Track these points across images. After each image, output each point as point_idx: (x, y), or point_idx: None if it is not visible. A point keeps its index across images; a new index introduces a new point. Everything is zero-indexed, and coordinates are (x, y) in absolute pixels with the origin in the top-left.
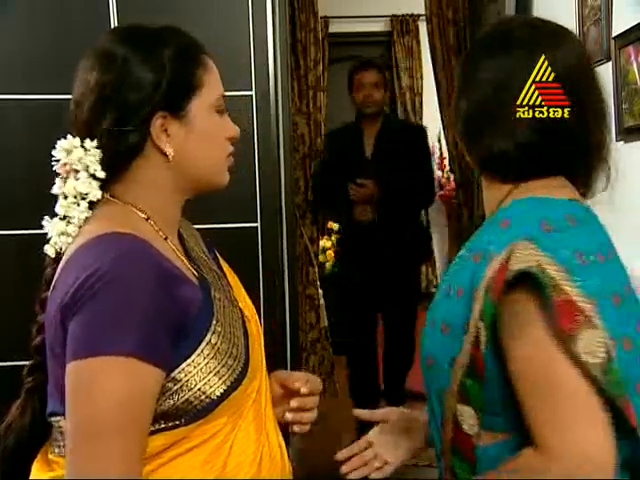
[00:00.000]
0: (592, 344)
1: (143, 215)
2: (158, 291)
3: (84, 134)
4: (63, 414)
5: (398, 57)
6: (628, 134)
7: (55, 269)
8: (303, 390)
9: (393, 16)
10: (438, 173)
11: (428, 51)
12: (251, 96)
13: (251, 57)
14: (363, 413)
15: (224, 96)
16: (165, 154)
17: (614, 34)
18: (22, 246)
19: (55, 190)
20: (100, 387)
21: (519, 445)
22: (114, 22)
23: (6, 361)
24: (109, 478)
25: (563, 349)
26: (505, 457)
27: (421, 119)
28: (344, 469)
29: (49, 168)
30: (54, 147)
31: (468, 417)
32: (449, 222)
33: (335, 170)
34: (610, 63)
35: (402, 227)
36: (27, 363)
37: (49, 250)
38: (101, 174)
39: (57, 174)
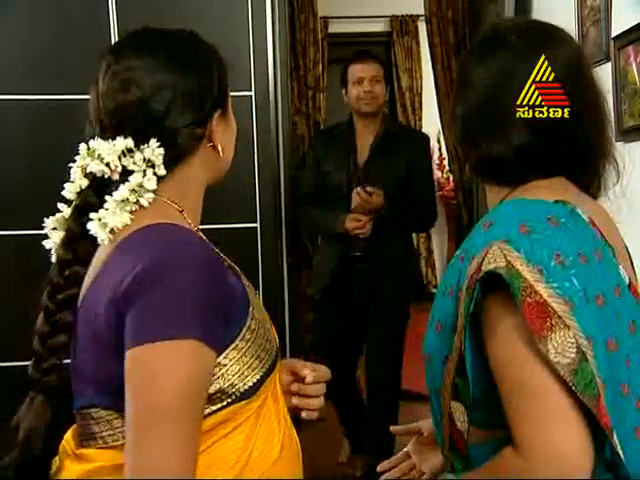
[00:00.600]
0: (563, 344)
1: (178, 208)
2: (212, 277)
3: (143, 133)
4: (104, 405)
5: (398, 57)
6: (628, 134)
7: (82, 267)
8: (308, 379)
9: (393, 16)
10: (437, 173)
11: (428, 51)
12: (250, 96)
13: (250, 58)
14: (398, 429)
15: None
16: (217, 150)
17: (613, 34)
18: (22, 247)
19: (116, 196)
20: (171, 371)
21: (505, 443)
22: (114, 23)
23: (5, 362)
24: (177, 463)
25: (533, 349)
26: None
27: (420, 119)
28: (383, 479)
29: (49, 169)
30: (55, 149)
31: (459, 413)
32: (448, 222)
33: (317, 178)
34: (609, 63)
35: (394, 256)
36: (27, 363)
37: (80, 248)
38: (163, 172)
39: (98, 177)
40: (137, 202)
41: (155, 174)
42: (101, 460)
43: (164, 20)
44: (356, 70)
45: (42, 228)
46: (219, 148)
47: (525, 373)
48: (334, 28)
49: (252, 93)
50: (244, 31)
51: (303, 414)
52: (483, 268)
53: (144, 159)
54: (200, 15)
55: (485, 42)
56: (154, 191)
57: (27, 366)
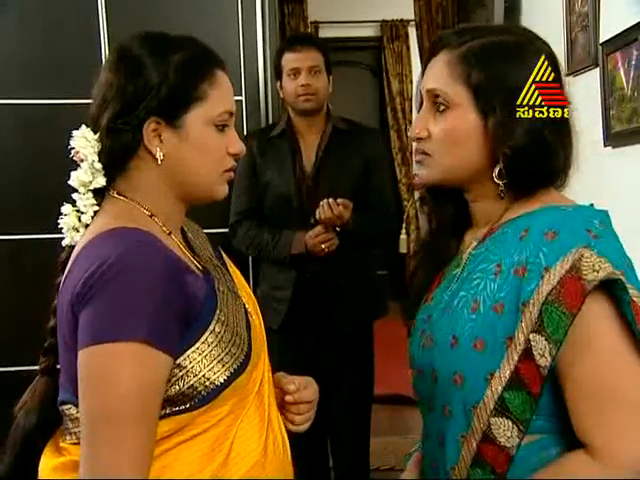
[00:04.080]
0: None
1: (147, 212)
2: (166, 280)
3: (91, 127)
4: (74, 402)
5: (388, 62)
6: (616, 139)
7: (69, 255)
8: (288, 398)
9: (383, 21)
10: None
11: (418, 56)
12: (241, 101)
13: (241, 62)
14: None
15: (232, 113)
16: (155, 157)
17: (602, 40)
18: (15, 251)
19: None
20: (114, 373)
21: (549, 444)
22: (104, 31)
23: None
24: (125, 466)
25: (638, 356)
26: (535, 455)
27: (410, 123)
28: None
29: (43, 174)
30: (48, 153)
31: (505, 429)
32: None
33: (255, 190)
34: (598, 69)
35: (353, 278)
36: (19, 368)
37: (66, 236)
38: (98, 165)
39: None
40: (84, 192)
41: (93, 166)
42: (74, 454)
43: (154, 27)
44: (290, 60)
45: (34, 233)
46: (157, 156)
47: (620, 378)
48: (325, 33)
49: (242, 98)
50: (234, 36)
51: (289, 425)
52: (589, 277)
53: (80, 147)
54: (190, 20)
55: (483, 52)
56: (109, 188)
57: (18, 371)
